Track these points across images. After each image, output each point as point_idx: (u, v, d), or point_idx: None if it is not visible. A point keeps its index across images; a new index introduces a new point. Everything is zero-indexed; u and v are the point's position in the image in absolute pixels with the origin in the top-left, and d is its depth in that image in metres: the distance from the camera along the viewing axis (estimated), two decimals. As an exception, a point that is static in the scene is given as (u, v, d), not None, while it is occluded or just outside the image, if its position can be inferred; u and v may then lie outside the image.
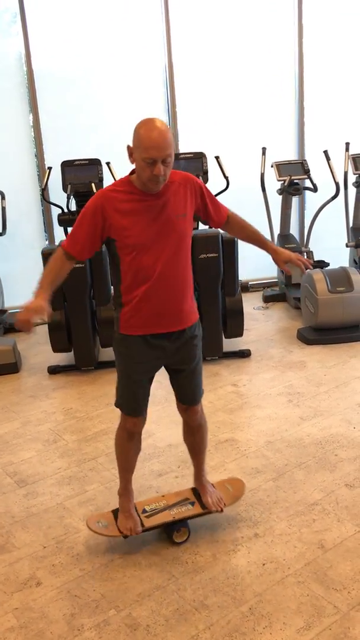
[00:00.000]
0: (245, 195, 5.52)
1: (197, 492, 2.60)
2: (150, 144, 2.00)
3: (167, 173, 2.07)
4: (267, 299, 5.73)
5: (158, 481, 2.94)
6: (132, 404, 2.36)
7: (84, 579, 2.34)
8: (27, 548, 2.54)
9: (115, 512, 2.53)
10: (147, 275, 2.16)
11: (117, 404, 2.41)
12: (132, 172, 2.17)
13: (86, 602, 2.23)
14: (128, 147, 2.11)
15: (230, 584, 2.27)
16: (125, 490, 2.51)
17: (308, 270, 2.58)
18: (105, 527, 2.47)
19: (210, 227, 2.40)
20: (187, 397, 2.43)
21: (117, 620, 2.14)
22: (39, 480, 3.03)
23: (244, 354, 4.46)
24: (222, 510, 2.54)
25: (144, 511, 2.53)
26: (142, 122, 2.06)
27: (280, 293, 5.75)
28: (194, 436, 2.54)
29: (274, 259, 2.38)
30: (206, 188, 2.30)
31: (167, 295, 2.20)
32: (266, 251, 2.40)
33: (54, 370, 4.38)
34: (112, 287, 2.32)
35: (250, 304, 5.63)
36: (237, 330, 4.41)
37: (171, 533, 2.48)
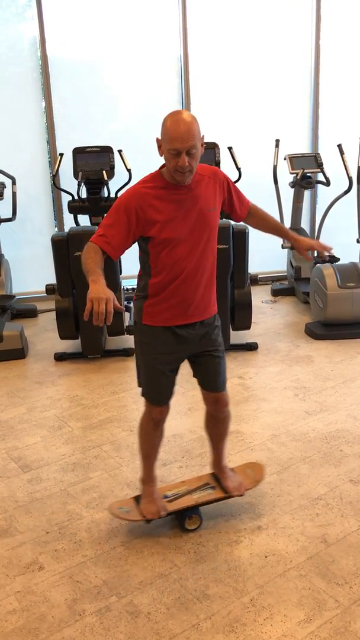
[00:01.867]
0: (257, 187, 5.48)
1: (217, 477, 2.63)
2: (175, 136, 2.01)
3: (192, 164, 2.07)
4: (276, 293, 5.70)
5: (162, 471, 2.94)
6: (157, 394, 2.38)
7: (86, 565, 2.35)
8: (30, 533, 2.55)
9: (137, 498, 2.56)
10: (180, 268, 2.18)
11: (142, 394, 2.42)
12: (162, 167, 2.18)
13: (88, 588, 2.23)
14: (157, 139, 2.12)
15: (232, 575, 2.27)
16: (148, 478, 2.53)
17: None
18: (128, 512, 2.50)
19: (232, 220, 2.43)
20: (213, 382, 2.42)
21: (118, 606, 2.15)
22: (43, 466, 3.04)
23: (251, 347, 4.45)
24: (243, 494, 2.57)
25: (166, 496, 2.56)
26: (169, 114, 2.07)
27: (289, 287, 5.72)
28: (219, 427, 2.54)
29: (296, 247, 2.44)
30: (231, 181, 2.32)
31: (196, 288, 2.23)
32: (288, 240, 2.45)
33: (60, 357, 4.39)
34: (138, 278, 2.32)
35: (259, 297, 5.61)
36: (245, 322, 4.39)
37: (183, 520, 2.50)
